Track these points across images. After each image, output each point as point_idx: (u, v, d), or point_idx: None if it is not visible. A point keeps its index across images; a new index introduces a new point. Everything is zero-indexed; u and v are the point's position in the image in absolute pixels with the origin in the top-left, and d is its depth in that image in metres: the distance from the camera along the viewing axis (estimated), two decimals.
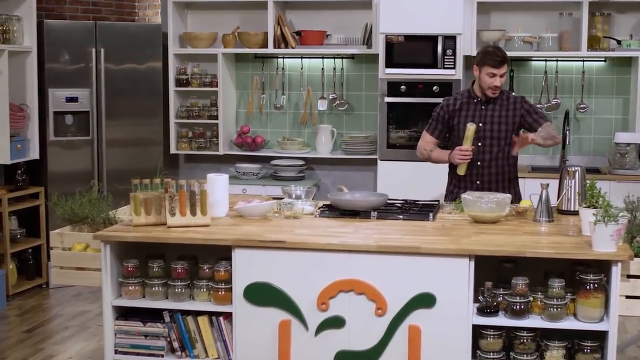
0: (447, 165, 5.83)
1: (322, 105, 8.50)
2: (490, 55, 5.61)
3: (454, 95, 5.93)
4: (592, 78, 8.04)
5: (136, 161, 8.21)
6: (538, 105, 7.96)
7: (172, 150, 8.66)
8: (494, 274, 4.55)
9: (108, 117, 8.18)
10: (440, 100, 6.03)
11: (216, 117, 8.52)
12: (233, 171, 8.43)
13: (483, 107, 5.71)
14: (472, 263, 4.31)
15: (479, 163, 5.68)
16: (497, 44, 7.79)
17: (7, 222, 7.43)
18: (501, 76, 5.60)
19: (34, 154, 7.76)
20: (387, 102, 7.77)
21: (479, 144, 5.66)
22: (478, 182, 5.71)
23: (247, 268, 4.53)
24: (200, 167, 8.79)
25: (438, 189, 6.04)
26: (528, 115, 5.68)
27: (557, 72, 8.03)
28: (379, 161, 7.87)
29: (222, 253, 4.66)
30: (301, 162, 8.48)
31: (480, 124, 5.67)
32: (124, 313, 4.80)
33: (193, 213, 4.79)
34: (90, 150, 8.16)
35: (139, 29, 8.52)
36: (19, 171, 7.62)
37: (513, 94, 5.91)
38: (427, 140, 5.87)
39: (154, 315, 4.75)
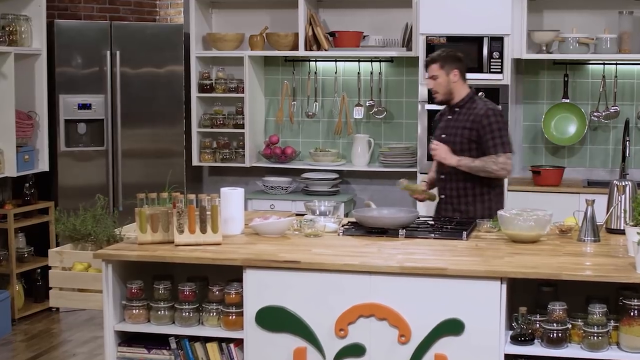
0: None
1: (358, 113, 8.53)
2: None
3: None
4: None
5: (155, 174, 8.22)
6: (595, 114, 7.95)
7: (195, 162, 8.73)
8: (532, 298, 4.57)
9: (124, 125, 8.28)
10: None
11: (242, 126, 8.56)
12: (260, 185, 8.50)
13: (450, 117, 5.89)
14: (504, 286, 4.31)
15: (442, 176, 5.88)
16: (550, 46, 7.80)
17: (13, 240, 7.52)
18: (431, 78, 5.77)
19: (43, 165, 7.87)
20: (428, 110, 7.78)
21: None
22: (443, 196, 5.91)
23: (259, 290, 4.57)
24: (225, 180, 8.79)
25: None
26: (482, 130, 5.71)
27: (616, 76, 7.98)
28: (419, 174, 7.88)
29: (234, 274, 4.71)
30: (335, 176, 8.51)
31: (443, 135, 5.83)
32: (127, 339, 4.85)
33: (203, 230, 4.84)
34: (105, 162, 8.26)
35: (158, 29, 8.62)
36: (27, 184, 7.72)
37: (488, 104, 5.87)
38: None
39: (159, 341, 4.80)
